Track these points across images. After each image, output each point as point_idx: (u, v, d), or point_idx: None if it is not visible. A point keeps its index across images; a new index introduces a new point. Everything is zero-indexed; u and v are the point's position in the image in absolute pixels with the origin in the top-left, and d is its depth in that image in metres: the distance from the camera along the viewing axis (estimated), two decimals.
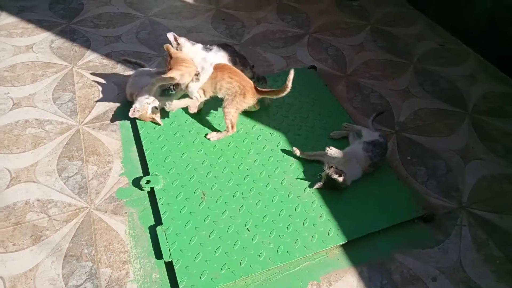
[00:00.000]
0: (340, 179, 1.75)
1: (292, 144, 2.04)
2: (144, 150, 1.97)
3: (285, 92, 1.92)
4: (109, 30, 2.83)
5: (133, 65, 2.45)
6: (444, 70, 2.67)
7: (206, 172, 1.89)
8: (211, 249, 1.60)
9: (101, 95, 2.29)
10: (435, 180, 1.97)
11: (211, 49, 2.00)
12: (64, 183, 1.83)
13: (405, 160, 2.06)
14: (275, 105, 2.26)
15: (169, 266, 1.56)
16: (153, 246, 1.63)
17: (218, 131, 2.08)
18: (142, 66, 2.41)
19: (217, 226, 1.68)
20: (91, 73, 2.44)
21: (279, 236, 1.66)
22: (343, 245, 1.67)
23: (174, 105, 1.96)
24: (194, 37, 2.81)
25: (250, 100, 1.96)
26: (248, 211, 1.74)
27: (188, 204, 1.75)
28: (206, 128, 2.11)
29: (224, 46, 2.06)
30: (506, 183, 1.98)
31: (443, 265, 1.64)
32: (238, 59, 2.08)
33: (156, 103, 2.04)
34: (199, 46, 1.99)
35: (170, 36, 1.95)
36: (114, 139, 2.04)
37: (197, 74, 1.90)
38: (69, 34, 2.76)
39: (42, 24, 2.83)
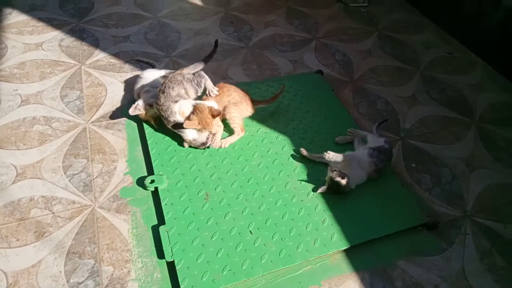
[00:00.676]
0: (343, 181, 1.75)
1: (297, 148, 2.04)
2: (149, 149, 1.97)
3: (275, 100, 2.18)
4: (118, 30, 2.85)
5: (145, 64, 2.51)
6: (451, 78, 2.67)
7: (210, 173, 1.89)
8: (213, 250, 1.60)
9: (108, 94, 2.31)
10: (439, 187, 1.96)
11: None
12: (69, 181, 1.84)
13: (409, 167, 2.05)
14: (281, 109, 2.27)
15: (171, 266, 1.57)
16: (155, 246, 1.64)
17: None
18: (153, 66, 2.45)
19: (219, 227, 1.68)
20: (99, 72, 2.46)
21: (282, 239, 1.66)
22: (345, 250, 1.67)
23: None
24: (202, 39, 2.83)
25: (249, 109, 2.08)
26: (251, 214, 1.74)
27: (191, 205, 1.75)
28: None
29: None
30: (511, 192, 1.96)
31: (446, 273, 1.63)
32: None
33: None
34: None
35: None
36: (120, 138, 2.06)
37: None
38: (78, 33, 2.78)
39: (52, 22, 2.86)
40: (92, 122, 2.14)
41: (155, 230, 1.68)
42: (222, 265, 1.56)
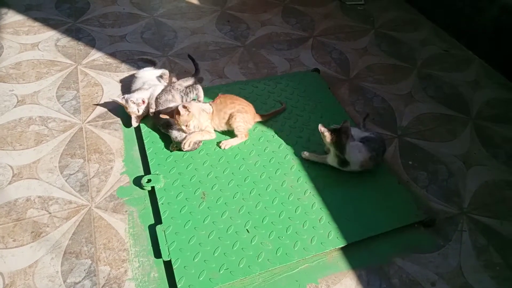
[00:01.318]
0: (328, 134, 1.79)
1: (294, 146, 2.04)
2: (146, 149, 1.97)
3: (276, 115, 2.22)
4: (114, 30, 2.85)
5: (148, 62, 2.54)
6: (448, 75, 2.67)
7: (207, 172, 1.89)
8: (210, 249, 1.60)
9: (104, 94, 2.31)
10: (436, 185, 1.96)
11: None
12: (66, 181, 1.84)
13: (406, 164, 2.05)
14: (277, 107, 2.26)
15: (168, 265, 1.57)
16: (152, 245, 1.64)
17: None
18: (154, 64, 2.48)
19: (216, 226, 1.68)
20: (95, 72, 2.46)
21: (279, 237, 1.66)
22: (342, 248, 1.67)
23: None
24: (198, 38, 2.83)
25: (252, 120, 2.07)
26: (248, 212, 1.74)
27: (188, 204, 1.75)
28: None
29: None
30: (507, 189, 1.97)
31: (443, 270, 1.63)
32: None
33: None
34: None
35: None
36: (116, 138, 2.05)
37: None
38: (74, 33, 2.77)
39: (48, 22, 2.85)
40: (89, 122, 2.13)
41: (152, 230, 1.68)
42: (219, 264, 1.56)
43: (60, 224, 1.68)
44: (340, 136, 1.79)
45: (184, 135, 1.92)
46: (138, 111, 2.05)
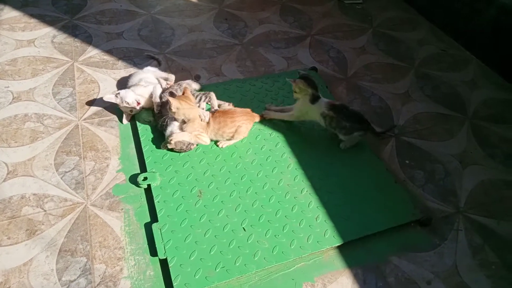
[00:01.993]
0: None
1: (291, 145, 2.04)
2: (142, 147, 1.96)
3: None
4: (111, 27, 2.83)
5: (155, 61, 2.53)
6: (445, 75, 2.67)
7: (203, 170, 1.89)
8: (206, 248, 1.59)
9: (101, 91, 2.29)
10: (432, 184, 1.97)
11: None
12: (61, 178, 1.83)
13: (403, 163, 2.05)
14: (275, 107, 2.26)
15: (164, 263, 1.56)
16: (148, 243, 1.63)
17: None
18: (159, 63, 2.49)
19: (213, 224, 1.68)
20: (92, 69, 2.44)
21: (275, 236, 1.66)
22: (338, 247, 1.67)
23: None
24: (196, 36, 2.82)
25: (252, 123, 2.08)
26: (245, 211, 1.74)
27: (184, 202, 1.75)
28: None
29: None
30: (504, 189, 1.97)
31: (439, 269, 1.63)
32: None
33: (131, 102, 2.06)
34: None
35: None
36: (112, 135, 2.04)
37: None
38: (71, 30, 2.76)
39: (45, 19, 2.83)
40: (85, 119, 2.12)
41: (148, 228, 1.67)
42: (215, 262, 1.55)
43: (56, 222, 1.67)
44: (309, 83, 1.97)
45: (175, 133, 1.91)
46: (131, 111, 2.04)
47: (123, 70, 2.47)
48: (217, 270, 1.53)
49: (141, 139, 2.00)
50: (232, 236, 1.64)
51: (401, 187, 1.91)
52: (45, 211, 1.70)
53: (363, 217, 1.75)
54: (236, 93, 2.33)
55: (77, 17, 2.90)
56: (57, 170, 1.86)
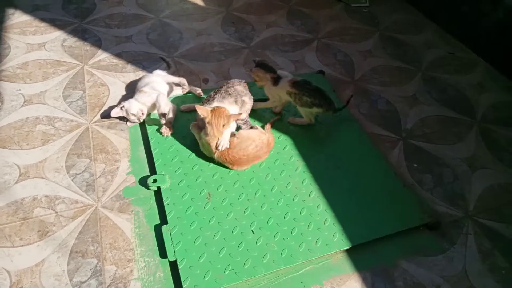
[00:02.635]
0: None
1: (298, 148, 2.05)
2: (152, 149, 1.98)
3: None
4: (120, 30, 2.86)
5: (166, 64, 2.53)
6: (452, 78, 2.67)
7: (212, 173, 1.90)
8: (215, 250, 1.61)
9: (111, 94, 2.32)
10: (441, 188, 1.96)
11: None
12: (72, 180, 1.85)
13: (411, 167, 2.05)
14: (283, 108, 2.27)
15: (173, 265, 1.57)
16: (158, 245, 1.64)
17: None
18: (169, 66, 2.48)
19: (222, 227, 1.69)
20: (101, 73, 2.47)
21: (283, 239, 1.66)
22: (347, 250, 1.67)
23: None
24: (204, 39, 2.84)
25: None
26: (253, 213, 1.75)
27: (193, 205, 1.76)
28: None
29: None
30: None
31: (448, 273, 1.63)
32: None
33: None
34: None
35: None
36: (122, 138, 2.06)
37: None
38: (81, 33, 2.79)
39: (55, 23, 2.87)
40: (95, 122, 2.14)
41: (158, 230, 1.69)
42: (224, 264, 1.56)
43: (67, 223, 1.69)
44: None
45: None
46: (139, 120, 2.07)
47: (132, 73, 2.49)
48: (226, 273, 1.54)
49: (150, 142, 2.02)
50: (241, 239, 1.65)
51: (410, 191, 1.91)
52: (56, 212, 1.72)
53: (371, 221, 1.75)
54: None
55: (87, 21, 2.93)
56: (68, 172, 1.88)
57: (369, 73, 2.66)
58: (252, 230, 1.69)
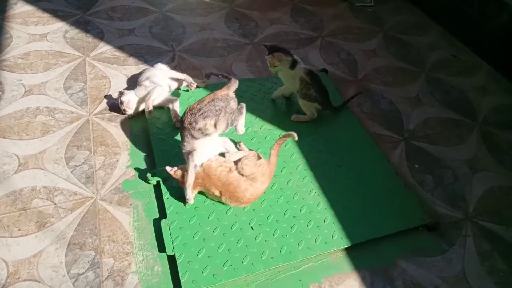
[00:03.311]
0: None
1: (300, 146, 2.04)
2: (152, 143, 1.97)
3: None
4: (123, 23, 2.85)
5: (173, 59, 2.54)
6: (455, 80, 2.66)
7: None
8: (214, 245, 1.60)
9: (112, 87, 2.30)
10: (442, 189, 1.96)
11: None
12: (71, 172, 1.84)
13: (412, 167, 2.05)
14: (285, 106, 2.26)
15: (172, 259, 1.56)
16: (156, 239, 1.64)
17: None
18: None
19: (221, 222, 1.68)
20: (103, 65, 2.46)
21: (283, 236, 1.66)
22: (346, 249, 1.66)
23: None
24: (207, 34, 2.83)
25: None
26: (253, 210, 1.74)
27: None
28: None
29: None
30: None
31: (447, 274, 1.63)
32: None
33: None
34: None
35: None
36: (122, 131, 2.05)
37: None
38: (83, 25, 2.77)
39: (57, 14, 2.85)
40: (95, 114, 2.13)
41: (157, 224, 1.68)
42: (223, 260, 1.56)
43: (65, 215, 1.68)
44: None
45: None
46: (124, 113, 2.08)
47: (134, 66, 2.48)
48: (225, 268, 1.53)
49: (150, 136, 2.00)
50: (240, 235, 1.65)
51: (410, 191, 1.90)
52: (55, 204, 1.71)
53: (371, 220, 1.75)
54: (247, 92, 2.33)
55: (89, 12, 2.92)
56: (67, 164, 1.87)
57: (372, 73, 2.65)
58: (251, 227, 1.68)
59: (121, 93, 2.07)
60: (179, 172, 1.68)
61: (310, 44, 2.86)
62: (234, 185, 1.66)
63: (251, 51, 2.72)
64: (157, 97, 2.07)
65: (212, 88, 2.32)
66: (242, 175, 1.68)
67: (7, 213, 1.66)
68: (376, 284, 1.57)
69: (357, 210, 1.78)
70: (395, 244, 1.70)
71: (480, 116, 2.40)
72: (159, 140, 1.98)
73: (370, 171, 1.96)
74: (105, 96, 2.23)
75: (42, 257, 1.53)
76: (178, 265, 1.52)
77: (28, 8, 2.87)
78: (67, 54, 2.51)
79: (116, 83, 2.34)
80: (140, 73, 2.27)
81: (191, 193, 1.67)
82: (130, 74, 2.41)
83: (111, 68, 2.44)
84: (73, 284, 1.47)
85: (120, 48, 2.61)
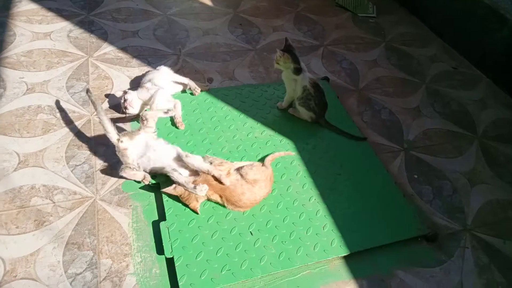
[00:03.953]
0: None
1: (301, 152, 2.04)
2: None
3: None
4: (127, 25, 2.85)
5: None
6: (455, 92, 2.68)
7: None
8: (213, 249, 1.59)
9: (114, 88, 2.31)
10: (440, 200, 1.97)
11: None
12: (71, 171, 1.84)
13: (411, 178, 2.06)
14: (287, 113, 2.27)
15: (170, 262, 1.56)
16: (155, 241, 1.63)
17: None
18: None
19: (220, 227, 1.68)
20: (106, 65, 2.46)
21: (282, 242, 1.66)
22: (344, 257, 1.67)
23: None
24: (210, 39, 2.84)
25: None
26: (252, 215, 1.74)
27: None
28: (217, 130, 2.11)
29: None
30: (511, 209, 1.97)
31: (444, 285, 1.63)
32: None
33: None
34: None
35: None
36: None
37: None
38: (87, 25, 2.78)
39: (62, 13, 2.86)
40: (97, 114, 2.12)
41: (156, 226, 1.67)
42: (222, 264, 1.55)
43: (64, 214, 1.67)
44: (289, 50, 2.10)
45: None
46: (125, 111, 2.07)
47: (137, 68, 2.48)
48: (223, 273, 1.53)
49: None
50: (239, 240, 1.64)
51: (409, 202, 1.91)
52: (54, 203, 1.70)
53: (370, 229, 1.75)
54: (248, 98, 2.34)
55: (94, 13, 2.92)
56: (67, 163, 1.86)
57: (373, 83, 2.67)
58: (250, 232, 1.68)
59: (125, 92, 2.07)
60: (179, 189, 1.69)
61: (312, 52, 2.87)
62: (230, 189, 1.67)
63: (253, 57, 2.74)
64: (160, 101, 2.06)
65: (214, 92, 2.33)
66: (244, 179, 1.70)
67: (5, 210, 1.65)
68: None
69: (356, 219, 1.79)
70: (393, 254, 1.71)
71: (479, 129, 2.42)
72: None
73: (369, 180, 1.97)
74: (107, 96, 2.23)
75: (39, 256, 1.52)
76: (176, 268, 1.52)
77: (33, 6, 2.88)
78: (70, 53, 2.51)
79: (119, 84, 2.34)
80: (143, 75, 2.28)
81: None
82: (133, 76, 2.41)
83: (114, 69, 2.44)
84: (71, 284, 1.46)
85: (124, 49, 2.62)
